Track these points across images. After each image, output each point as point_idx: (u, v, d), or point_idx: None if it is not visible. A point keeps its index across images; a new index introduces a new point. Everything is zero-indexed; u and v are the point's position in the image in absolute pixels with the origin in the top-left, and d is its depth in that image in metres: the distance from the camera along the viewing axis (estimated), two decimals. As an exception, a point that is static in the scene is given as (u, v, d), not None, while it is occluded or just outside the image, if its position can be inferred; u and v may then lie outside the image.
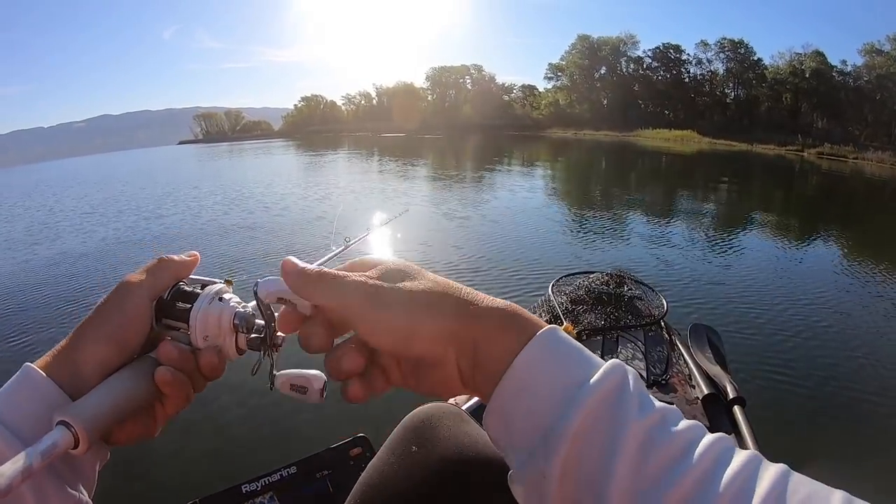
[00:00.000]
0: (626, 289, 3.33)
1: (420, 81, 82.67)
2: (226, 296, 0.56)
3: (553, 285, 3.28)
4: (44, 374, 0.49)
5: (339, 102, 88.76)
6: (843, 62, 52.82)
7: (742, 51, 58.90)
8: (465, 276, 6.71)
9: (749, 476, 0.39)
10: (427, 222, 9.84)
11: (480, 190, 16.12)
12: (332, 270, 0.50)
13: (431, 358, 0.47)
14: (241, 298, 0.58)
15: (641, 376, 2.12)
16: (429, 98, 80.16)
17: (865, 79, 50.27)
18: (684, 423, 0.42)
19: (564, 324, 2.56)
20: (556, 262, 7.54)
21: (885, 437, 3.66)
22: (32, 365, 0.50)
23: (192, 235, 9.68)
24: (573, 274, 3.58)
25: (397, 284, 0.48)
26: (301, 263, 0.50)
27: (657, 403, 0.43)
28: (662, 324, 2.95)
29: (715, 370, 2.46)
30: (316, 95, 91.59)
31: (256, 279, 0.54)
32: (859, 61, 51.38)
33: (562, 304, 3.06)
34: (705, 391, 2.28)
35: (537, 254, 8.10)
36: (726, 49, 59.63)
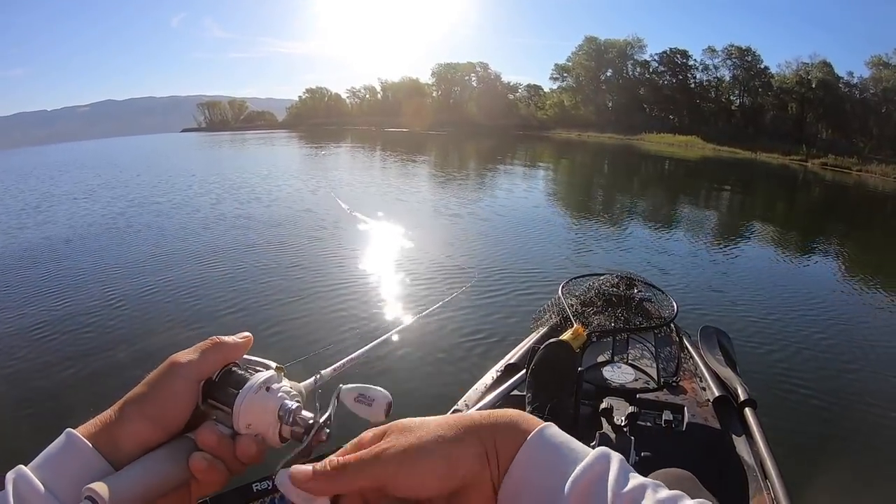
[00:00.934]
0: (635, 291, 3.33)
1: (425, 77, 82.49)
2: (274, 385, 0.56)
3: (563, 287, 3.25)
4: (89, 444, 0.50)
5: (344, 96, 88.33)
6: (850, 73, 52.79)
7: (749, 58, 58.69)
8: (478, 275, 6.75)
9: None
10: (444, 232, 9.79)
11: (486, 191, 16.18)
12: (347, 458, 0.50)
13: (472, 481, 0.48)
14: (290, 385, 0.58)
15: (651, 378, 2.36)
16: (433, 95, 79.52)
17: (871, 91, 50.19)
18: (659, 497, 0.45)
19: (575, 325, 2.48)
20: (566, 265, 7.66)
21: (894, 440, 3.75)
22: (75, 432, 0.51)
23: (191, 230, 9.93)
24: (583, 276, 3.55)
25: (417, 434, 0.49)
26: (309, 466, 0.50)
27: (631, 483, 0.46)
28: (672, 326, 2.96)
29: (725, 372, 2.47)
30: (321, 88, 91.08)
31: (340, 384, 0.57)
32: (866, 73, 51.40)
33: (572, 305, 3.04)
34: (716, 393, 2.28)
35: (546, 256, 8.23)
36: (733, 56, 59.43)
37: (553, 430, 0.50)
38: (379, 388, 0.57)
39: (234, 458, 0.54)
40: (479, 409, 1.94)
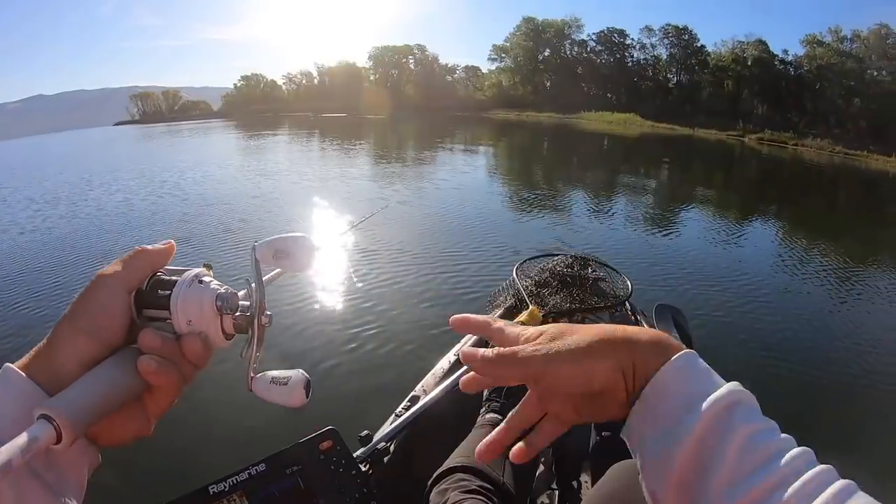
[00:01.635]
0: (590, 271, 3.29)
1: (363, 61, 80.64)
2: (205, 278, 0.55)
3: (517, 268, 3.13)
4: (22, 374, 0.48)
5: (280, 82, 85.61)
6: (785, 52, 54.49)
7: (686, 37, 59.41)
8: (431, 263, 6.60)
9: (815, 489, 0.45)
10: (386, 212, 9.17)
11: (427, 175, 15.70)
12: (510, 349, 0.57)
13: (608, 388, 0.55)
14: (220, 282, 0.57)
15: None
16: (371, 78, 78.00)
17: (806, 68, 51.68)
18: (787, 437, 0.51)
19: (530, 307, 2.47)
20: (518, 246, 7.52)
21: (853, 403, 3.93)
22: (11, 366, 0.49)
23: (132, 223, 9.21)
24: (537, 257, 3.44)
25: (569, 341, 0.56)
26: (480, 352, 0.58)
27: (765, 419, 0.52)
28: (628, 304, 3.04)
29: None
30: (256, 74, 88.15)
31: (253, 243, 0.56)
32: (801, 51, 53.09)
33: (526, 287, 2.97)
34: None
35: (496, 238, 8.07)
36: (670, 35, 60.14)
37: (696, 356, 0.55)
38: (295, 234, 0.57)
39: (182, 361, 0.54)
40: (437, 394, 2.01)
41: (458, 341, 2.71)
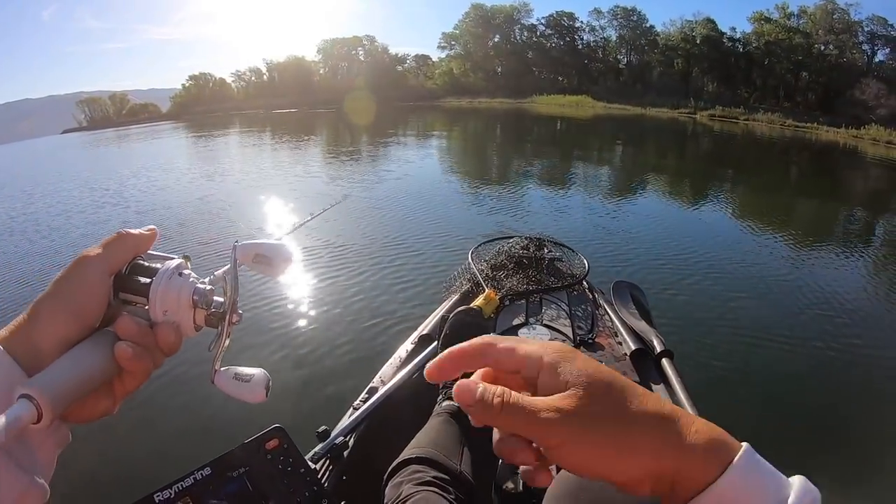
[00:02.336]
0: (545, 251, 3.34)
1: (311, 55, 79.26)
2: (185, 271, 0.56)
3: (472, 252, 3.26)
4: (1, 349, 0.48)
5: (229, 80, 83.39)
6: (733, 29, 54.93)
7: (634, 18, 59.86)
8: (385, 254, 6.50)
9: None
10: (337, 206, 8.92)
11: (379, 165, 15.51)
12: (520, 400, 0.43)
13: (624, 486, 0.44)
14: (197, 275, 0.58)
15: (567, 337, 2.39)
16: (321, 72, 76.81)
17: (754, 45, 52.20)
18: None
19: (486, 290, 2.53)
20: (473, 231, 7.45)
21: (807, 379, 3.92)
22: None
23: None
24: (492, 240, 3.59)
25: (608, 419, 0.43)
26: (479, 390, 0.43)
27: None
28: (585, 283, 3.02)
29: (641, 325, 2.54)
30: (204, 73, 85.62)
31: (234, 242, 0.58)
32: (749, 28, 53.65)
33: (482, 270, 3.05)
34: (633, 347, 2.32)
35: (452, 224, 8.03)
36: (619, 16, 60.42)
37: (754, 453, 0.45)
38: (276, 241, 0.58)
39: (154, 348, 0.55)
40: (395, 384, 2.05)
41: (416, 329, 2.66)
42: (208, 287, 0.56)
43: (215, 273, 0.59)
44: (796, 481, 0.43)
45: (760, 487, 0.42)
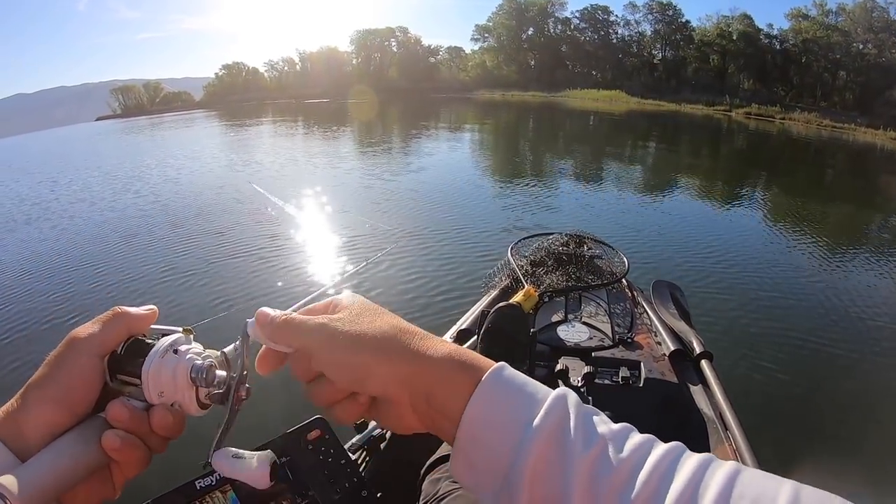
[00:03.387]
0: (585, 249, 3.33)
1: (344, 46, 79.75)
2: (182, 347, 0.54)
3: (512, 248, 3.25)
4: None
5: (262, 69, 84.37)
6: (770, 26, 53.92)
7: (670, 13, 59.16)
8: (424, 245, 6.62)
9: (694, 487, 0.40)
10: (373, 212, 8.79)
11: (414, 158, 15.49)
12: (297, 316, 0.53)
13: (385, 397, 0.51)
14: (202, 348, 0.56)
15: (606, 335, 2.37)
16: (353, 62, 77.25)
17: (791, 42, 51.43)
18: (630, 445, 0.45)
19: (526, 286, 2.45)
20: (511, 226, 7.56)
21: (846, 384, 3.88)
22: None
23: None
24: (532, 236, 3.55)
25: (353, 327, 0.51)
26: (272, 313, 0.53)
27: (601, 429, 0.46)
28: (625, 282, 2.99)
29: (680, 326, 2.51)
30: (237, 63, 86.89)
31: (245, 319, 0.55)
32: (786, 25, 52.72)
33: (521, 266, 3.02)
34: (671, 347, 2.30)
35: (490, 218, 8.13)
36: (654, 11, 59.83)
37: (510, 370, 0.50)
38: (261, 453, 0.55)
39: (150, 433, 0.53)
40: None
41: (455, 323, 2.66)
42: (208, 363, 0.53)
43: (235, 344, 0.57)
44: (549, 398, 0.47)
45: (507, 405, 0.47)
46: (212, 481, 0.58)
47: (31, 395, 0.50)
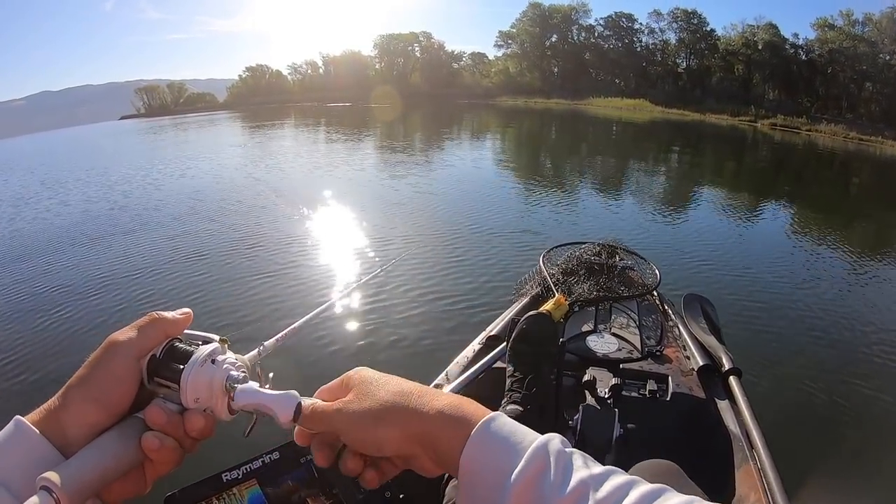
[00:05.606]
0: (617, 259, 3.32)
1: (367, 50, 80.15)
2: (219, 357, 0.57)
3: (544, 256, 3.22)
4: (36, 431, 0.50)
5: (285, 72, 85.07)
6: (796, 35, 53.40)
7: (695, 21, 58.67)
8: (455, 254, 6.60)
9: None
10: (403, 217, 8.84)
11: (440, 164, 15.67)
12: (320, 407, 0.58)
13: (404, 455, 0.57)
14: (235, 357, 0.59)
15: (635, 347, 2.37)
16: (376, 67, 77.60)
17: (817, 52, 50.84)
18: (608, 487, 0.48)
19: (556, 295, 2.41)
20: (540, 233, 7.64)
21: (880, 408, 3.76)
22: (24, 419, 0.51)
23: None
24: (564, 245, 3.52)
25: (362, 406, 0.56)
26: (306, 403, 0.58)
27: (580, 474, 0.49)
28: (656, 294, 3.00)
29: (710, 341, 2.49)
30: (261, 65, 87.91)
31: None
32: (812, 35, 52.10)
33: (553, 275, 3.02)
34: (700, 362, 2.29)
35: (520, 225, 8.14)
36: (679, 19, 59.39)
37: (499, 421, 0.54)
38: (282, 392, 0.57)
39: (184, 435, 0.56)
40: (461, 382, 2.11)
41: (484, 330, 2.67)
42: (242, 374, 0.57)
43: (264, 344, 0.64)
44: (530, 449, 0.51)
45: (492, 456, 0.51)
46: (238, 475, 0.60)
47: (72, 395, 0.52)
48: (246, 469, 0.63)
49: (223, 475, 0.60)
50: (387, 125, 31.37)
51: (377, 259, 6.48)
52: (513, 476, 0.49)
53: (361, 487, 0.64)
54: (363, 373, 0.61)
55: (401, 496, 0.67)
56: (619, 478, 0.48)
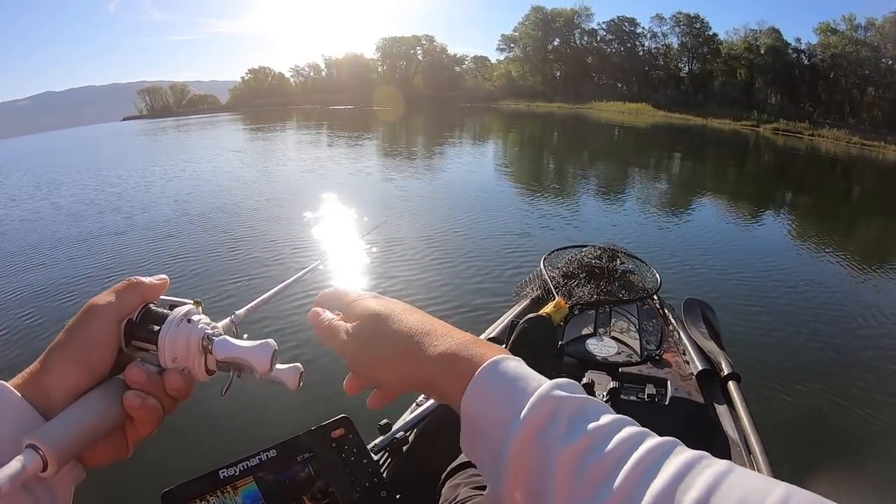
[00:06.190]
0: (618, 262, 3.32)
1: (370, 53, 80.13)
2: (195, 317, 0.58)
3: (545, 259, 3.24)
4: (19, 395, 0.50)
5: (288, 74, 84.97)
6: (798, 40, 53.54)
7: (697, 25, 58.79)
8: (455, 256, 6.57)
9: (677, 483, 0.40)
10: (403, 218, 8.75)
11: (442, 167, 15.73)
12: (332, 323, 0.64)
13: (402, 390, 0.60)
14: (209, 319, 0.60)
15: (635, 351, 2.33)
16: (379, 70, 77.56)
17: (820, 57, 50.95)
18: (620, 437, 0.45)
19: (556, 298, 2.46)
20: (541, 236, 7.66)
21: (880, 415, 3.74)
22: (7, 384, 0.51)
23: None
24: (565, 248, 3.55)
25: (372, 337, 0.60)
26: (322, 314, 0.66)
27: (593, 421, 0.47)
28: (656, 298, 3.00)
29: (709, 346, 2.52)
30: (264, 67, 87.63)
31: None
32: (814, 39, 52.23)
33: (553, 278, 3.02)
34: (700, 367, 2.30)
35: (521, 228, 8.12)
36: (681, 23, 59.50)
37: (507, 363, 0.52)
38: (291, 364, 0.60)
39: (164, 395, 0.56)
40: None
41: (484, 332, 2.71)
42: (219, 333, 0.57)
43: (236, 313, 0.64)
44: (536, 394, 0.49)
45: (495, 400, 0.50)
46: (235, 472, 0.59)
47: (53, 357, 0.53)
48: (243, 466, 0.63)
49: (220, 472, 0.60)
50: (389, 128, 31.41)
51: (377, 258, 6.45)
52: (515, 422, 0.47)
53: (358, 487, 0.64)
54: (372, 304, 0.63)
55: (397, 496, 0.64)
56: (630, 429, 0.46)
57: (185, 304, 0.60)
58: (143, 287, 0.59)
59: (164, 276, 0.61)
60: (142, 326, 0.57)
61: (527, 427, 0.47)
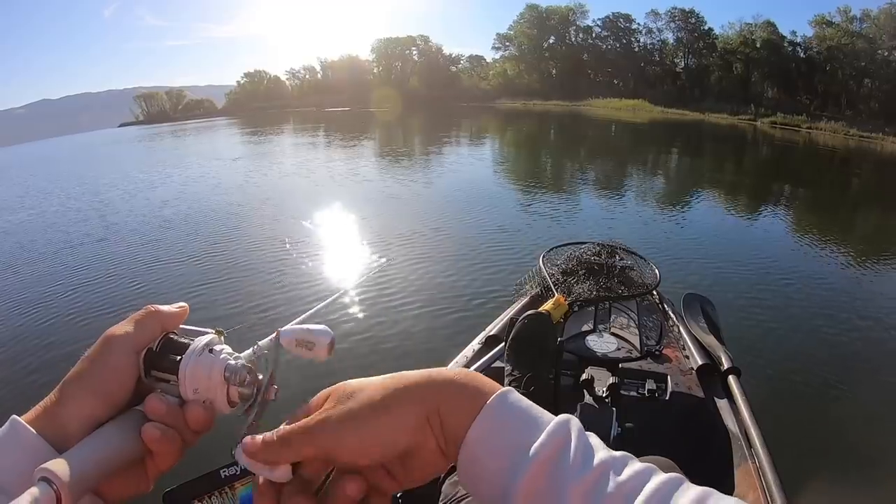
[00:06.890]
0: (617, 259, 3.29)
1: (365, 54, 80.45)
2: (216, 347, 0.56)
3: (543, 256, 3.16)
4: (31, 430, 0.49)
5: (284, 77, 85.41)
6: (794, 33, 53.41)
7: (692, 20, 58.76)
8: (455, 254, 6.63)
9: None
10: (404, 219, 8.85)
11: (439, 167, 15.81)
12: (291, 427, 0.50)
13: (417, 445, 0.49)
14: (231, 349, 0.58)
15: (634, 347, 2.31)
16: (374, 71, 77.83)
17: (816, 50, 50.79)
18: (629, 472, 0.45)
19: (556, 295, 2.40)
20: (540, 234, 7.63)
21: (879, 407, 3.78)
22: (19, 419, 0.50)
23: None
24: (564, 245, 3.44)
25: (358, 401, 0.49)
26: (259, 437, 0.50)
27: (600, 456, 0.46)
28: (655, 293, 3.08)
29: (709, 340, 2.55)
30: (259, 71, 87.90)
31: (278, 329, 0.56)
32: (810, 32, 52.14)
33: (552, 275, 2.99)
34: (699, 361, 2.32)
35: (519, 226, 8.17)
36: (676, 19, 59.51)
37: (515, 395, 0.50)
38: (319, 326, 0.56)
39: (185, 428, 0.54)
40: None
41: (483, 329, 2.74)
42: (241, 363, 0.55)
43: (259, 343, 0.58)
44: (552, 423, 0.47)
45: (509, 428, 0.47)
46: (236, 471, 0.59)
47: (69, 389, 0.52)
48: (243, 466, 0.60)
49: (221, 471, 0.60)
50: (386, 129, 31.51)
51: (377, 259, 6.49)
52: (532, 450, 0.46)
53: None
54: (340, 386, 0.53)
55: (398, 494, 0.61)
56: (637, 464, 0.46)
57: (206, 333, 0.58)
58: (163, 315, 0.57)
59: (183, 303, 0.60)
60: (162, 356, 0.55)
61: (543, 456, 0.45)
